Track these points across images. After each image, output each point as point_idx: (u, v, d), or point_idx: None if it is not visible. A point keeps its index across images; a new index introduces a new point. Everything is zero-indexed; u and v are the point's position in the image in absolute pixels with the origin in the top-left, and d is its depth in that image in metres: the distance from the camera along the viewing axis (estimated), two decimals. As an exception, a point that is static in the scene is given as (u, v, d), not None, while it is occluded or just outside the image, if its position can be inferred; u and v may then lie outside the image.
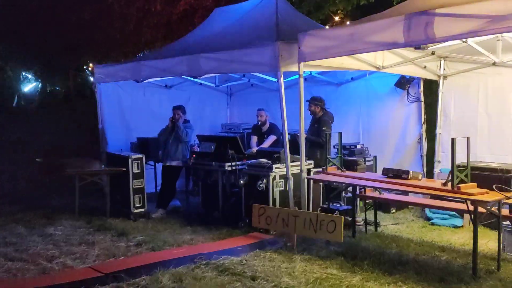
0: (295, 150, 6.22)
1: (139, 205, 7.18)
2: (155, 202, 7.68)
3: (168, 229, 6.67)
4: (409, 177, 5.31)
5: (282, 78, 5.84)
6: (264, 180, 6.28)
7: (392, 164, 7.63)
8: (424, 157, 7.58)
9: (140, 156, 7.22)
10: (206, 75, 7.39)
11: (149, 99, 9.12)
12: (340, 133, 6.24)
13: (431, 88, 7.56)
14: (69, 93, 20.40)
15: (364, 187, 5.95)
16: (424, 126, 7.59)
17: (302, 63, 5.75)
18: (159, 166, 8.14)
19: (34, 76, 23.44)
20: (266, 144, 7.55)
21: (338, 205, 6.60)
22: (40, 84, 23.09)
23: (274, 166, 6.30)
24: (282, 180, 6.33)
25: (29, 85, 25.82)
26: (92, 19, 16.51)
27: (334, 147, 7.45)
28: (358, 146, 7.83)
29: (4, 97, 23.52)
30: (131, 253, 5.58)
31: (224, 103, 10.19)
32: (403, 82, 7.44)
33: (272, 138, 7.62)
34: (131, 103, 8.97)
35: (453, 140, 4.75)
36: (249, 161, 6.72)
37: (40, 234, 6.30)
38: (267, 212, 5.91)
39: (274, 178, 6.29)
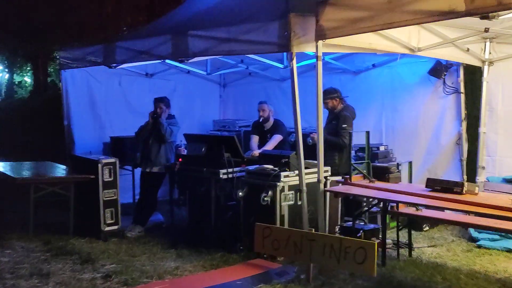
0: (305, 153, 5.20)
1: (111, 221, 6.11)
2: (132, 215, 6.63)
3: (146, 252, 5.62)
4: (464, 191, 4.30)
5: (294, 60, 4.81)
6: (270, 192, 5.25)
7: (423, 170, 6.70)
8: (464, 162, 6.55)
9: (112, 160, 6.15)
10: (196, 59, 6.32)
11: (126, 90, 8.05)
12: (368, 132, 5.23)
13: (473, 76, 6.53)
14: (38, 85, 19.19)
15: (398, 202, 4.92)
16: (464, 124, 6.56)
17: (320, 42, 4.72)
18: (138, 171, 7.08)
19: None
20: (270, 145, 6.51)
21: (362, 224, 5.57)
22: (7, 74, 21.91)
23: (282, 174, 5.28)
24: (292, 191, 5.32)
25: (-6, 76, 24.68)
26: (65, 0, 15.44)
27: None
28: (381, 148, 6.84)
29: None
30: (96, 289, 4.54)
31: (216, 95, 9.12)
32: (439, 69, 6.42)
33: (277, 138, 6.58)
34: (104, 94, 7.91)
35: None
36: (250, 167, 5.68)
37: (-19, 261, 5.23)
38: (274, 234, 4.88)
39: (282, 190, 5.27)
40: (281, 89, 8.17)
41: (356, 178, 5.16)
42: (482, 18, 3.77)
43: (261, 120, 6.70)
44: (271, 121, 6.71)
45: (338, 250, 4.37)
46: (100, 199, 6.02)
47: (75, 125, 7.52)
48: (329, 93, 6.19)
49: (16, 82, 22.99)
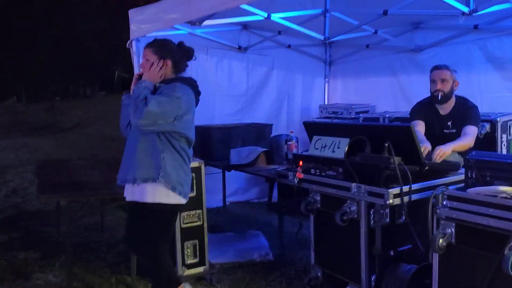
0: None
1: (193, 260, 2.81)
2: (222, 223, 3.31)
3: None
4: None
5: None
6: (522, 250, 1.69)
7: None
8: None
9: (195, 164, 2.79)
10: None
11: (212, 67, 4.66)
12: None
13: None
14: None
15: None
16: None
17: None
18: (231, 173, 3.76)
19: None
20: (464, 142, 2.78)
21: None
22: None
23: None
24: None
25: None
26: None
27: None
28: None
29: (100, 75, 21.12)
30: None
31: (320, 75, 5.47)
32: None
33: (473, 132, 2.84)
34: (189, 71, 4.56)
35: None
36: (452, 187, 2.10)
37: None
38: None
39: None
40: (415, 63, 4.44)
41: None
42: None
43: (436, 95, 2.95)
44: (453, 100, 2.98)
45: None
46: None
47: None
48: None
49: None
